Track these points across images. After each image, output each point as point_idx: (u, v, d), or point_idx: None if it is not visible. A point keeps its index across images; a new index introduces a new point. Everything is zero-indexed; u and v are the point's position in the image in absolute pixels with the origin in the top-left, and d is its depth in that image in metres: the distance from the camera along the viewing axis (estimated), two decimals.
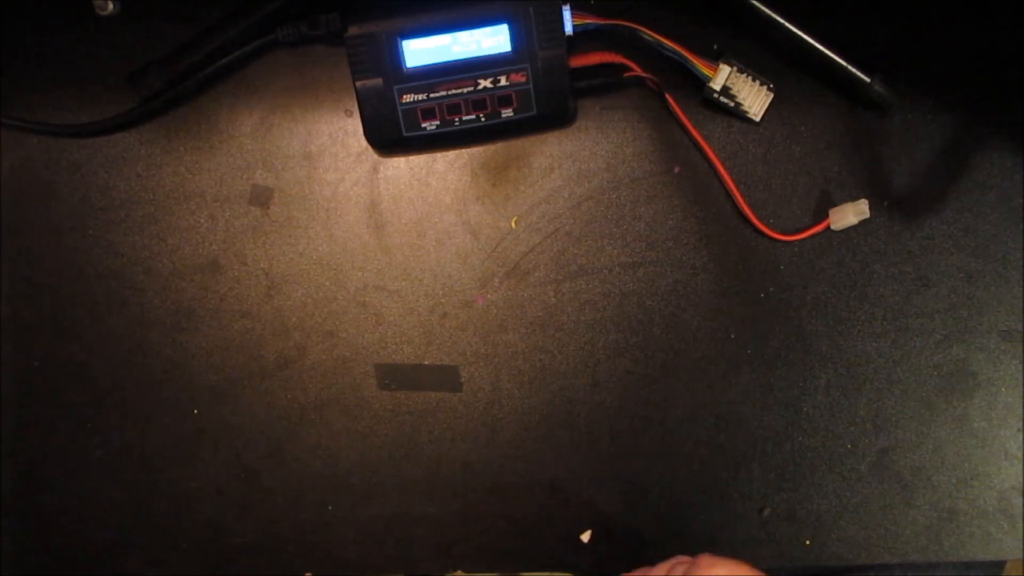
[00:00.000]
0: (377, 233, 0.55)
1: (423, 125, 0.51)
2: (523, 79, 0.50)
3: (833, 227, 0.54)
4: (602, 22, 0.51)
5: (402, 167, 0.55)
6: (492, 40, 0.50)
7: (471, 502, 0.56)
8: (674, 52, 0.51)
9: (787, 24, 0.50)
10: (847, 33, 0.52)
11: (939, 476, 0.56)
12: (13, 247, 0.55)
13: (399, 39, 0.50)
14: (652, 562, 0.57)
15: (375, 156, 0.55)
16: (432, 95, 0.51)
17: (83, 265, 0.55)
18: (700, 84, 0.52)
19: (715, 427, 0.55)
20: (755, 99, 0.52)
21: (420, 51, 0.50)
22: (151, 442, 0.56)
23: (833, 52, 0.51)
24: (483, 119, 0.51)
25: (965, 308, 0.55)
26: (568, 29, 0.50)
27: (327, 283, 0.55)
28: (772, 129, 0.54)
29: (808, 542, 0.56)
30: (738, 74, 0.52)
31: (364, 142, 0.54)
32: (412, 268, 0.55)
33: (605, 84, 0.53)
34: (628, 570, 0.57)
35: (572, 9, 0.50)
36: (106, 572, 0.58)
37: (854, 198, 0.53)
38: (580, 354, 0.55)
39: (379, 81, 0.50)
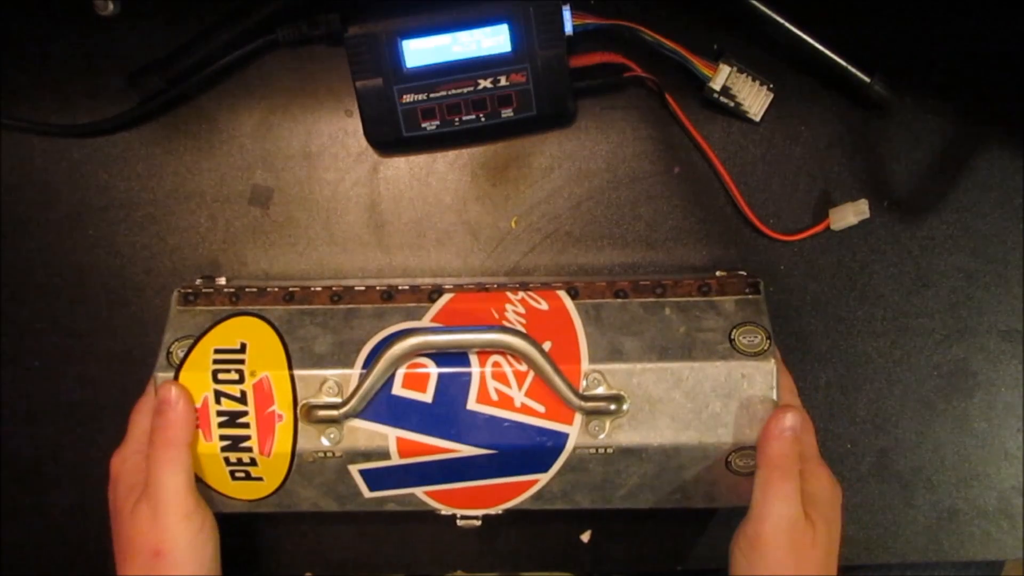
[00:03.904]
0: (377, 233, 0.55)
1: (423, 125, 0.51)
2: (523, 79, 0.50)
3: (833, 227, 0.54)
4: (602, 22, 0.51)
5: (402, 167, 0.55)
6: (492, 40, 0.50)
7: None
8: (674, 52, 0.51)
9: (787, 24, 0.50)
10: (847, 33, 0.51)
11: (939, 476, 0.56)
12: (13, 247, 0.55)
13: (399, 39, 0.50)
14: (652, 563, 0.57)
15: (375, 156, 0.55)
16: (432, 95, 0.50)
17: (83, 265, 0.55)
18: (700, 84, 0.52)
19: None
20: (755, 99, 0.52)
21: (420, 51, 0.50)
22: None
23: (833, 52, 0.51)
24: (483, 119, 0.51)
25: (965, 308, 0.55)
26: (568, 29, 0.50)
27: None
28: (772, 129, 0.54)
29: None
30: (738, 74, 0.51)
31: (364, 142, 0.54)
32: (412, 268, 0.55)
33: (605, 84, 0.53)
34: (628, 570, 0.57)
35: (572, 9, 0.50)
36: (106, 572, 0.58)
37: (854, 198, 0.53)
38: None
39: (379, 81, 0.50)
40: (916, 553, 0.56)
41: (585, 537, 0.57)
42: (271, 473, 0.47)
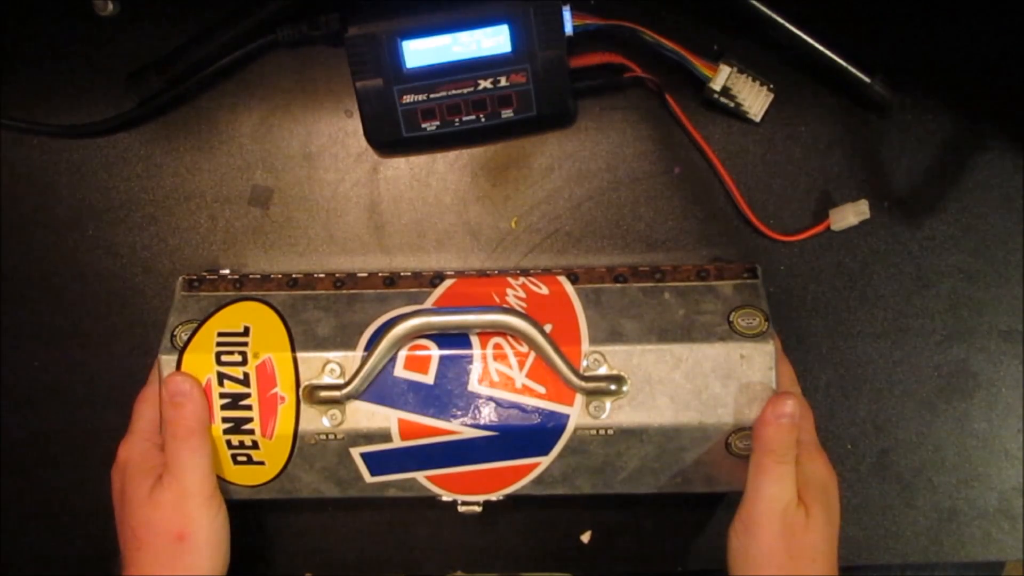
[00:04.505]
0: (377, 233, 0.55)
1: (423, 125, 0.51)
2: (523, 79, 0.50)
3: (833, 227, 0.53)
4: (602, 22, 0.51)
5: (402, 167, 0.55)
6: (492, 40, 0.50)
7: None
8: (674, 52, 0.51)
9: (787, 24, 0.50)
10: (847, 33, 0.51)
11: (939, 476, 0.56)
12: (13, 248, 0.55)
13: (399, 39, 0.50)
14: (652, 563, 0.57)
15: (375, 156, 0.55)
16: (432, 95, 0.50)
17: (83, 265, 0.55)
18: (700, 84, 0.52)
19: None
20: (755, 99, 0.52)
21: (420, 51, 0.50)
22: None
23: (833, 52, 0.51)
24: (483, 119, 0.51)
25: (965, 308, 0.55)
26: (568, 29, 0.50)
27: None
28: (772, 129, 0.54)
29: None
30: (738, 74, 0.51)
31: (364, 142, 0.54)
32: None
33: (605, 84, 0.53)
34: (628, 570, 0.57)
35: (572, 9, 0.50)
36: (106, 572, 0.58)
37: (854, 198, 0.53)
38: None
39: (379, 81, 0.50)
40: (916, 553, 0.56)
41: (585, 537, 0.57)
42: (273, 456, 0.47)
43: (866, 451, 0.56)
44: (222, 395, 0.46)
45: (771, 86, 0.52)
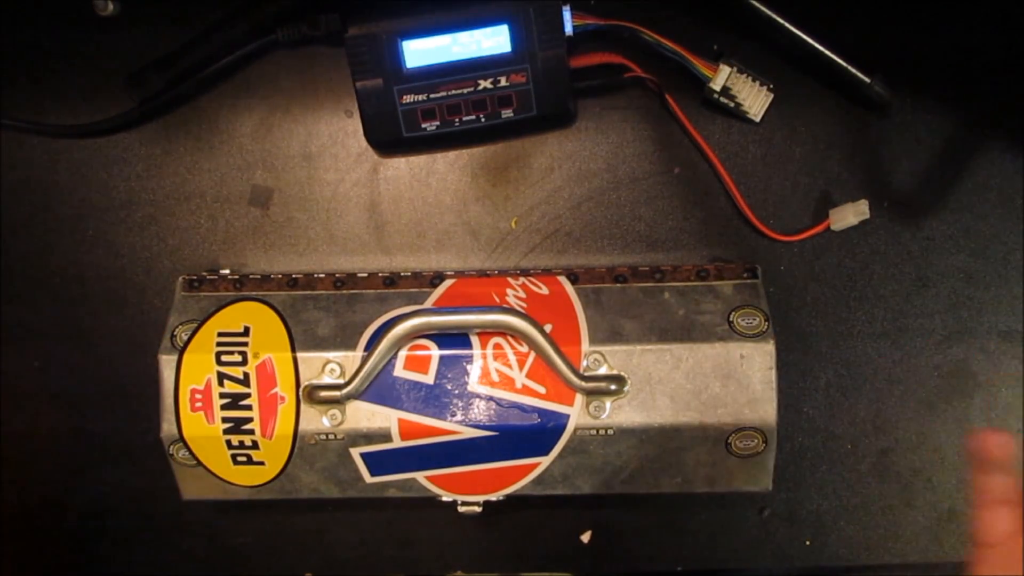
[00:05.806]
0: (377, 234, 0.55)
1: (423, 125, 0.51)
2: (523, 79, 0.50)
3: (833, 227, 0.53)
4: (602, 22, 0.51)
5: (402, 167, 0.55)
6: (492, 40, 0.50)
7: None
8: (674, 52, 0.51)
9: (787, 24, 0.50)
10: (847, 33, 0.51)
11: (939, 476, 0.56)
12: (13, 247, 0.55)
13: (399, 39, 0.50)
14: (652, 563, 0.57)
15: (375, 156, 0.55)
16: (432, 95, 0.50)
17: (83, 265, 0.55)
18: (700, 84, 0.52)
19: None
20: (755, 99, 0.52)
21: (420, 51, 0.50)
22: (152, 442, 0.56)
23: (833, 52, 0.51)
24: (483, 119, 0.51)
25: (965, 308, 0.55)
26: (568, 29, 0.50)
27: None
28: (772, 129, 0.54)
29: (808, 542, 0.56)
30: (738, 74, 0.51)
31: (364, 142, 0.54)
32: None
33: (605, 84, 0.53)
34: (628, 570, 0.57)
35: (572, 9, 0.50)
36: (106, 572, 0.58)
37: (854, 198, 0.53)
38: None
39: (379, 81, 0.50)
40: (916, 553, 0.56)
41: (585, 537, 0.57)
42: (273, 457, 0.47)
43: (866, 451, 0.56)
44: (222, 395, 0.46)
45: (771, 86, 0.52)
